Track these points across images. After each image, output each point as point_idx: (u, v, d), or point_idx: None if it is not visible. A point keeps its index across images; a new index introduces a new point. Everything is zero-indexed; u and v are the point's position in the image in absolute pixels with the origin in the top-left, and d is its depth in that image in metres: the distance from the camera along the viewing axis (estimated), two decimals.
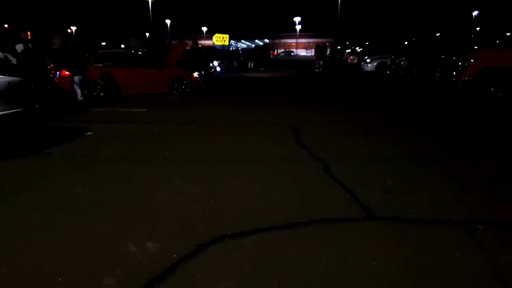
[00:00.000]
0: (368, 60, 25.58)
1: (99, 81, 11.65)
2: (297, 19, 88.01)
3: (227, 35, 69.20)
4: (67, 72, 10.67)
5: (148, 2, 61.97)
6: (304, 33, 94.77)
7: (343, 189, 4.39)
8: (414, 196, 4.25)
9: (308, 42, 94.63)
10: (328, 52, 28.44)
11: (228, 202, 4.08)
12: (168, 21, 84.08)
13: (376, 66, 25.03)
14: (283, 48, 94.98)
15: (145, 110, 9.95)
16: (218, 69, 22.49)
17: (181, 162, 5.52)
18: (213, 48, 39.53)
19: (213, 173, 5.06)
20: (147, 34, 78.99)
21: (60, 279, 2.72)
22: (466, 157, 5.79)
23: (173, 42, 20.70)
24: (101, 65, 12.01)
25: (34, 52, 8.87)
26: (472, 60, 10.30)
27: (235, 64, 27.29)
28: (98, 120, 8.54)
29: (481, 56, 10.49)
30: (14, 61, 9.63)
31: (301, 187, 4.53)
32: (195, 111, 10.03)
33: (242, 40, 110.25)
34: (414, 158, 5.71)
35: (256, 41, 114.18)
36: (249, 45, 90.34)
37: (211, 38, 71.32)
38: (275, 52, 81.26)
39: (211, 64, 20.16)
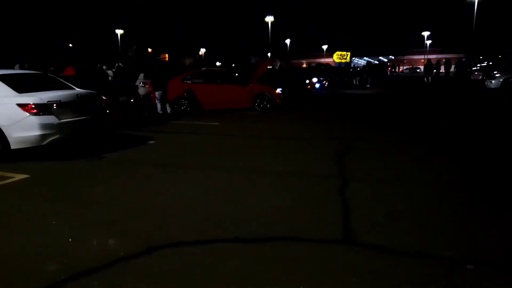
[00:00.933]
0: (493, 76, 22.70)
1: (185, 96, 12.69)
2: (425, 33, 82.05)
3: (349, 53, 67.99)
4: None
5: (268, 22, 64.93)
6: (434, 48, 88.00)
7: (342, 210, 4.04)
8: (414, 225, 3.71)
9: (437, 58, 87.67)
10: (452, 68, 26.32)
11: (215, 211, 4.11)
12: (287, 41, 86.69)
13: (502, 82, 22.00)
14: (410, 65, 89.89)
15: (218, 123, 10.50)
16: (317, 85, 22.42)
17: (207, 170, 5.73)
18: (327, 65, 39.60)
19: (226, 182, 5.13)
20: (269, 54, 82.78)
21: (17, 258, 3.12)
22: None
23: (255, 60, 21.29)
24: (189, 81, 13.07)
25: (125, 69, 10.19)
26: None
27: (343, 81, 26.77)
28: (168, 131, 9.33)
29: None
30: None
31: (303, 203, 4.32)
32: (264, 125, 10.22)
33: (365, 58, 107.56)
34: (453, 186, 4.92)
35: (380, 57, 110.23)
36: (372, 62, 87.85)
37: (331, 56, 70.98)
38: (399, 69, 77.34)
39: (307, 81, 20.26)
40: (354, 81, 27.73)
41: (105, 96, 8.99)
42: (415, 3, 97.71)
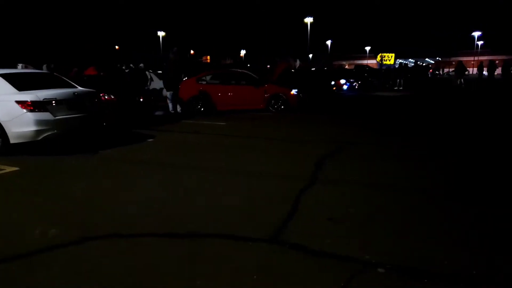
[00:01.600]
0: None
1: (200, 96, 12.95)
2: (476, 34, 77.77)
3: (393, 54, 66.44)
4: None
5: (307, 24, 64.50)
6: (485, 49, 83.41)
7: (290, 211, 4.02)
8: (352, 228, 3.63)
9: (488, 59, 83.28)
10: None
11: (169, 208, 4.22)
12: (328, 42, 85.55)
13: None
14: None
15: (225, 123, 10.63)
16: (344, 87, 22.02)
17: (189, 169, 5.86)
18: (368, 67, 38.76)
19: (198, 181, 5.23)
20: (310, 56, 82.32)
21: None
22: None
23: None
24: (204, 82, 13.32)
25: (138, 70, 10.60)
26: None
27: (374, 82, 26.05)
28: (172, 130, 9.57)
29: None
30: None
31: (257, 203, 4.35)
32: (269, 126, 10.23)
33: (410, 59, 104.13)
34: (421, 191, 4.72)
35: (427, 59, 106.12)
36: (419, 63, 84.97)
37: (374, 58, 69.62)
38: (442, 71, 74.13)
39: (332, 83, 19.97)
40: (387, 83, 26.88)
41: (113, 96, 9.43)
42: (465, 2, 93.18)
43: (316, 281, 2.71)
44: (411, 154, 6.87)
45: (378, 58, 64.38)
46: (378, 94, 20.90)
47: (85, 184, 5.16)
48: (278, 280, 2.73)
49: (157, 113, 12.47)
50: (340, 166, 5.92)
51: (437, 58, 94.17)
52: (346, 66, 65.61)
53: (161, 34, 67.73)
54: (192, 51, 69.26)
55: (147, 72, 13.23)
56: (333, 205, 4.21)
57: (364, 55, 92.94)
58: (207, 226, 3.68)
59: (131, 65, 11.07)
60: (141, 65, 13.21)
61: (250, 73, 14.11)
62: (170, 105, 12.04)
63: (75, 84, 7.65)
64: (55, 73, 8.49)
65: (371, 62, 71.79)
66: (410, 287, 2.65)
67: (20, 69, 11.89)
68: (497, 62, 37.12)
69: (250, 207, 4.23)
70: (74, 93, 6.99)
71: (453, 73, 73.54)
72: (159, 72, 15.57)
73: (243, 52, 79.99)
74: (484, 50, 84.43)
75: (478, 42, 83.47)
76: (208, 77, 13.60)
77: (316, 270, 2.85)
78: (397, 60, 74.74)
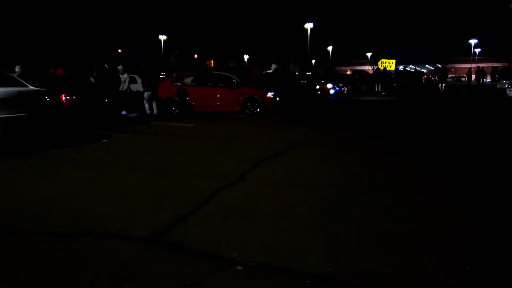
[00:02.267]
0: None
1: (176, 98, 12.90)
2: (472, 41, 78.17)
3: (394, 60, 66.57)
4: None
5: (307, 29, 64.57)
6: (483, 56, 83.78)
7: (190, 209, 3.91)
8: (240, 226, 3.55)
9: (485, 66, 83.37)
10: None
11: (73, 207, 4.12)
12: (330, 48, 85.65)
13: None
14: (457, 73, 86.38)
15: (193, 125, 10.55)
16: (331, 91, 21.91)
17: (124, 170, 5.77)
18: (365, 72, 38.62)
19: (124, 181, 5.14)
20: (313, 61, 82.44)
21: None
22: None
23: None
24: (180, 84, 13.27)
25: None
26: None
27: (363, 87, 25.96)
28: (135, 131, 9.51)
29: None
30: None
31: (162, 202, 4.26)
32: (234, 128, 10.15)
33: (410, 66, 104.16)
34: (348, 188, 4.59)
35: (427, 65, 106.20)
36: (419, 69, 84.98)
37: (375, 64, 69.72)
38: (436, 77, 74.52)
39: (317, 87, 19.83)
40: (376, 87, 26.74)
41: (75, 96, 9.36)
42: (462, 11, 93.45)
43: (165, 278, 2.60)
44: (352, 154, 6.70)
45: (379, 64, 64.53)
46: (363, 99, 20.76)
47: (14, 182, 5.14)
48: (126, 278, 2.62)
49: (132, 114, 12.43)
50: (281, 166, 5.82)
51: (437, 64, 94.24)
52: (348, 72, 65.65)
53: (162, 37, 67.93)
54: (196, 55, 69.34)
55: (126, 74, 13.17)
56: (237, 204, 4.09)
57: (365, 61, 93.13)
58: (91, 225, 3.57)
59: (106, 65, 11.04)
60: (120, 66, 13.15)
61: (230, 76, 14.04)
62: (146, 106, 11.99)
63: (26, 84, 7.58)
64: (6, 73, 8.44)
65: (367, 68, 72.00)
66: (258, 284, 2.52)
67: (17, 70, 12.02)
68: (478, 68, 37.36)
69: (154, 206, 4.12)
70: (18, 92, 6.93)
71: (451, 79, 73.43)
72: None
73: (246, 57, 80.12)
74: (481, 57, 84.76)
75: (475, 50, 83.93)
76: (185, 79, 13.57)
77: (174, 268, 2.74)
78: (398, 66, 74.96)
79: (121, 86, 12.98)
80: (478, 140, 8.04)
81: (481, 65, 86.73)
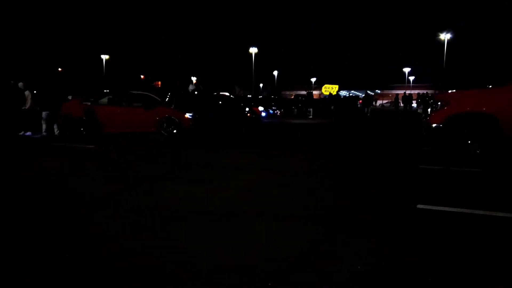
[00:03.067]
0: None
1: (84, 118, 12.08)
2: (406, 70, 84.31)
3: (336, 86, 68.92)
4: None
5: (252, 54, 65.63)
6: (417, 84, 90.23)
7: None
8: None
9: (418, 92, 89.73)
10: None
11: None
12: (275, 72, 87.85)
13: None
14: (393, 99, 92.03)
15: (93, 146, 9.81)
16: (263, 114, 21.97)
17: None
18: (302, 97, 39.42)
19: None
20: (261, 85, 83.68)
21: None
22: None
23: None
24: (90, 103, 12.51)
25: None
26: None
27: (295, 110, 26.34)
28: (24, 154, 8.67)
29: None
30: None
31: None
32: (140, 151, 9.55)
33: (352, 91, 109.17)
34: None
35: (368, 91, 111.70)
36: (359, 95, 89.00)
37: (319, 88, 71.94)
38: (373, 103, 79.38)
39: (247, 109, 19.77)
40: (308, 112, 27.26)
41: None
42: (397, 41, 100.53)
43: None
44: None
45: (323, 89, 66.76)
46: (291, 122, 20.91)
47: None
48: None
49: (37, 135, 11.42)
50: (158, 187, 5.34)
51: (376, 90, 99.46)
52: (293, 96, 67.16)
53: (104, 57, 65.89)
54: (142, 76, 67.79)
55: (27, 91, 12.19)
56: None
57: (310, 86, 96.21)
58: None
59: (12, 81, 10.16)
60: (20, 83, 12.16)
61: (151, 95, 13.50)
62: (44, 126, 11.03)
63: None
64: None
65: (316, 92, 74.34)
66: None
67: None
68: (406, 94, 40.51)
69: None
70: None
71: (389, 104, 77.66)
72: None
73: (194, 79, 79.56)
74: (415, 85, 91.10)
75: (410, 78, 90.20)
76: (97, 98, 12.83)
77: None
78: (340, 91, 78.10)
79: (25, 105, 11.98)
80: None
81: (415, 91, 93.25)
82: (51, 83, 11.48)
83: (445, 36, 45.19)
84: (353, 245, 3.34)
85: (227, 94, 24.55)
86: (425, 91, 48.11)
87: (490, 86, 8.36)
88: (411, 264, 2.98)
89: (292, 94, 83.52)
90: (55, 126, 11.28)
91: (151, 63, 72.10)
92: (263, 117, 21.82)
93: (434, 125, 7.23)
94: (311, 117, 25.06)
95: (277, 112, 24.41)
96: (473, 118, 6.89)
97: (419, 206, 4.44)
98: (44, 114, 10.99)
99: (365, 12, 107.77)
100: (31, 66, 47.48)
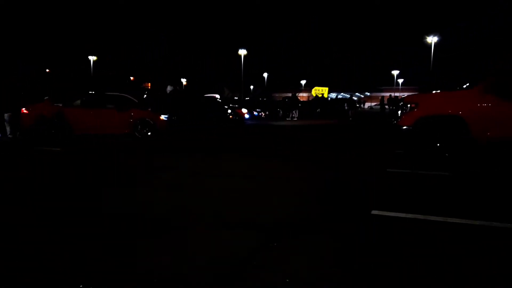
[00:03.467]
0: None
1: (55, 119, 11.75)
2: (395, 72, 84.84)
3: (326, 88, 68.73)
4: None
5: (241, 55, 65.38)
6: (406, 86, 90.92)
7: None
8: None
9: (405, 94, 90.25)
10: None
11: None
12: (265, 74, 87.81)
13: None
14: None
15: (59, 149, 9.49)
16: (247, 116, 21.75)
17: None
18: (288, 99, 39.21)
19: None
20: (252, 87, 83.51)
21: None
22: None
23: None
24: (60, 104, 12.18)
25: None
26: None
27: (280, 112, 26.12)
28: None
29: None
30: None
31: None
32: (108, 154, 9.27)
33: (342, 93, 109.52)
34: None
35: (357, 93, 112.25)
36: (345, 97, 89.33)
37: (309, 91, 71.94)
38: (361, 105, 79.54)
39: (229, 111, 19.55)
40: (292, 114, 27.02)
41: None
42: (387, 44, 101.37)
43: None
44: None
45: (313, 91, 66.82)
46: (275, 124, 20.72)
47: None
48: None
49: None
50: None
51: (366, 93, 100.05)
52: (281, 99, 67.03)
53: (92, 58, 64.99)
54: (132, 77, 67.11)
55: None
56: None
57: (300, 88, 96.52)
58: None
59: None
60: None
61: (128, 97, 13.24)
62: (8, 129, 10.68)
63: None
64: None
65: (306, 94, 74.47)
66: None
67: None
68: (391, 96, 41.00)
69: None
70: None
71: (379, 106, 78.14)
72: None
73: (184, 81, 78.95)
74: (404, 87, 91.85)
75: (399, 80, 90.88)
76: (68, 100, 12.53)
77: None
78: (331, 93, 78.43)
79: None
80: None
81: (403, 94, 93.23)
82: (11, 84, 11.08)
83: (432, 39, 45.47)
84: (290, 254, 3.14)
85: (217, 96, 24.29)
86: (395, 94, 48.58)
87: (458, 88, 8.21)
88: (340, 274, 2.77)
89: (281, 96, 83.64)
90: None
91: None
92: (247, 119, 21.60)
93: (404, 127, 7.07)
94: (296, 119, 24.87)
95: (261, 114, 24.21)
96: (441, 121, 6.74)
97: (373, 212, 4.25)
98: (6, 116, 10.63)
99: (356, 16, 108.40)
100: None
